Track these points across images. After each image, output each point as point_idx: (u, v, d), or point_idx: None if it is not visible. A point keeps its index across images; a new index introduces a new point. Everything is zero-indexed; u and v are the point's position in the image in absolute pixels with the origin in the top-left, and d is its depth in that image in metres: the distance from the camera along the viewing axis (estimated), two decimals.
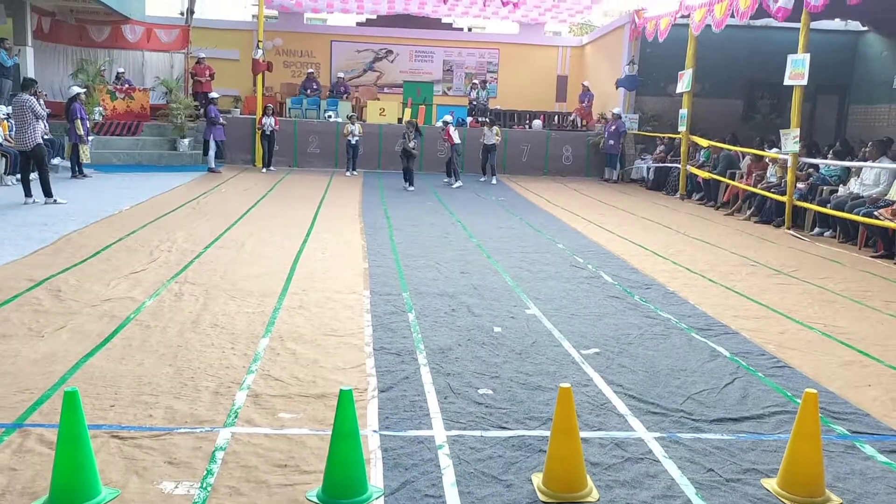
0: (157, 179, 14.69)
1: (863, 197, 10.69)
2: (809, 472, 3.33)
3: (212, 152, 16.73)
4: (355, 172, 17.41)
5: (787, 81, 11.73)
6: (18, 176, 13.26)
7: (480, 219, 11.52)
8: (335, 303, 6.36)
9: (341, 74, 21.54)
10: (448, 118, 16.82)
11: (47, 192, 11.05)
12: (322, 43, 23.19)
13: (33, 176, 11.32)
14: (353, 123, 17.22)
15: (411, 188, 15.02)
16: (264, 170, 17.55)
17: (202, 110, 19.39)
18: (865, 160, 11.43)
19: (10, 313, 5.65)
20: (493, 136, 17.15)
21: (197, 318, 5.75)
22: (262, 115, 17.55)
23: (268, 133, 17.54)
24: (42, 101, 12.15)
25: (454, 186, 15.84)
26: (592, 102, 20.53)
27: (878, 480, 3.57)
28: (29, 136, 10.99)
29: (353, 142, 17.25)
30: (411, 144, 15.19)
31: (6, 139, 13.56)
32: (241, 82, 21.16)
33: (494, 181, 17.16)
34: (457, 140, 16.37)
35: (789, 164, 11.86)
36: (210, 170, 16.61)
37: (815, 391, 3.34)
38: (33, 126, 10.93)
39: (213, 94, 17.63)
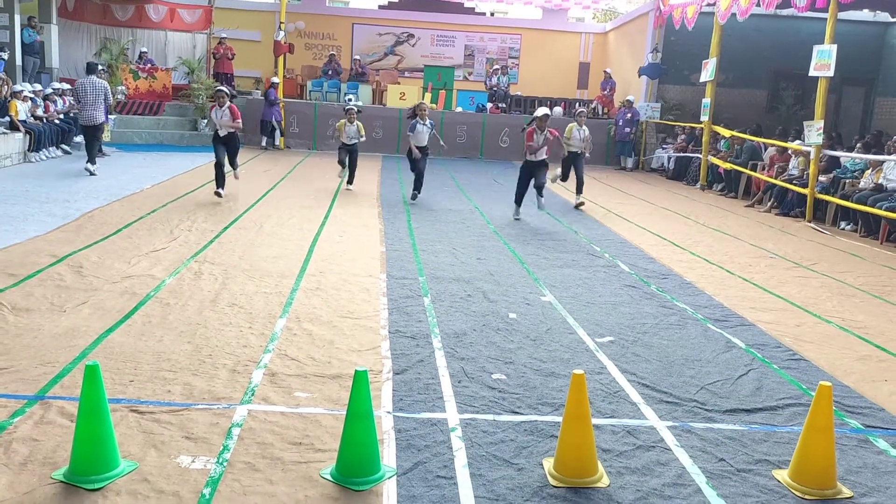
0: (178, 159, 14.79)
1: (886, 190, 10.57)
2: (821, 465, 3.33)
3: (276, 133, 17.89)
4: (350, 187, 12.15)
5: (812, 72, 11.59)
6: (41, 153, 13.46)
7: (498, 205, 11.51)
8: (352, 285, 6.40)
9: (358, 57, 21.52)
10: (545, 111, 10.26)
11: (91, 159, 12.20)
12: (344, 25, 23.16)
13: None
14: (350, 122, 11.90)
15: (415, 195, 11.45)
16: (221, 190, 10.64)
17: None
18: (892, 154, 11.28)
19: (34, 288, 5.74)
20: (580, 137, 11.56)
21: (216, 297, 5.82)
22: (212, 106, 11.05)
23: (221, 135, 10.67)
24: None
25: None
26: (614, 90, 20.37)
27: (891, 475, 3.56)
28: (98, 114, 12.31)
29: (350, 143, 12.04)
30: (423, 138, 11.34)
31: (32, 116, 13.71)
32: (262, 64, 21.19)
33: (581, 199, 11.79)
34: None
35: (812, 156, 11.74)
36: (266, 147, 17.73)
37: (829, 384, 3.34)
38: (102, 106, 12.38)
39: (275, 79, 18.09)
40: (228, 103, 10.60)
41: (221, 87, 10.70)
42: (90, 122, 12.31)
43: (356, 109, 12.09)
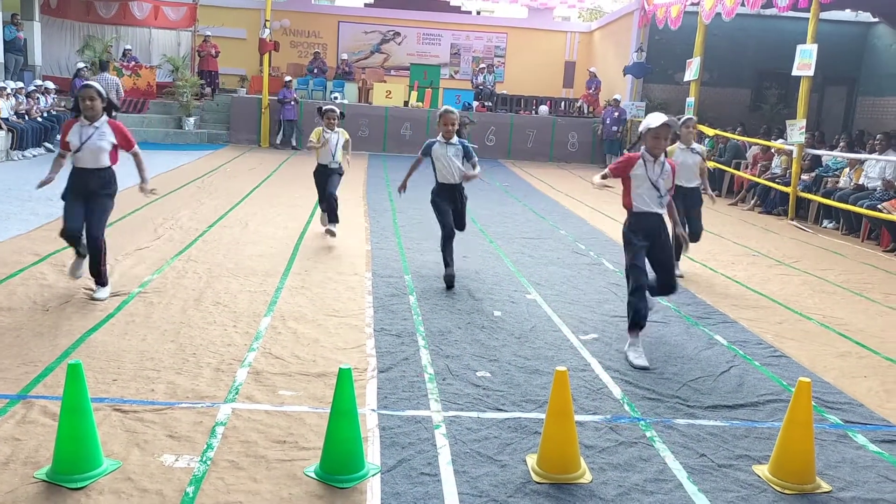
0: (162, 157, 14.70)
1: (867, 189, 10.68)
2: (800, 460, 3.38)
3: (290, 132, 17.94)
4: (333, 229, 8.01)
5: (794, 72, 11.69)
6: (24, 151, 13.35)
7: (484, 203, 11.54)
8: (337, 283, 6.40)
9: (344, 56, 21.49)
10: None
11: None
12: (329, 23, 23.11)
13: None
14: (331, 128, 7.95)
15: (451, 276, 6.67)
16: None
17: (208, 89, 19.45)
18: (873, 153, 11.40)
19: (16, 287, 5.71)
20: (694, 160, 7.23)
21: (200, 295, 5.80)
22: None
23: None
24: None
25: None
26: (600, 89, 20.46)
27: (869, 469, 3.61)
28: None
29: (332, 164, 8.08)
30: (456, 164, 6.63)
31: (15, 114, 13.60)
32: (247, 62, 21.12)
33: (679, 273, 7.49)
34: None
35: (794, 154, 11.84)
36: (281, 146, 17.99)
37: (808, 380, 3.38)
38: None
39: (287, 77, 18.28)
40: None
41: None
42: None
43: (338, 112, 7.96)
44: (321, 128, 7.95)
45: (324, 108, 8.00)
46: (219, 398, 3.98)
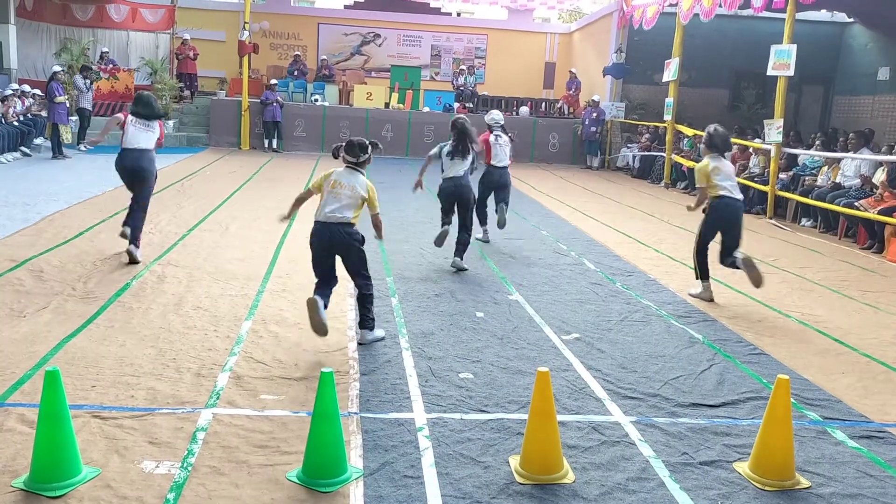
0: None
1: (844, 187, 10.81)
2: (780, 456, 3.41)
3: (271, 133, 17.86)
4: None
5: (770, 72, 11.81)
6: (1, 156, 13.18)
7: None
8: None
9: (324, 57, 21.43)
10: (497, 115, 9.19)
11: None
12: (309, 25, 23.03)
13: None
14: (350, 174, 5.03)
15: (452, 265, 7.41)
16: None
17: (187, 92, 19.31)
18: (847, 151, 11.54)
19: None
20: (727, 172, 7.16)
21: (180, 300, 5.75)
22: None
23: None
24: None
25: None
26: (580, 90, 20.55)
27: (848, 465, 3.65)
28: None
29: (336, 218, 4.98)
30: (458, 172, 7.30)
31: None
32: (226, 64, 20.99)
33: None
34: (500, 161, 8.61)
35: (772, 154, 11.96)
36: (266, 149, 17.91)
37: (787, 377, 3.42)
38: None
39: (273, 81, 18.28)
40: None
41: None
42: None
43: (374, 146, 5.19)
44: (334, 171, 5.13)
45: (341, 147, 5.14)
46: (200, 403, 3.95)
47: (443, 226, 7.48)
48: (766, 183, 12.13)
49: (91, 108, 16.25)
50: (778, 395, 3.40)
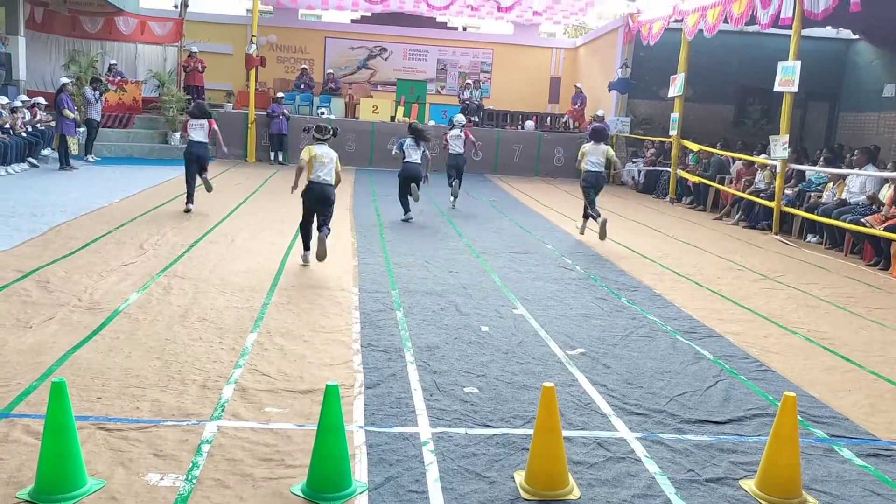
0: (147, 172, 14.65)
1: (850, 204, 10.80)
2: (786, 474, 3.39)
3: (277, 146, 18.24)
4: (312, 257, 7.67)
5: (776, 88, 11.83)
6: (10, 167, 13.26)
7: (470, 219, 11.57)
8: (324, 299, 6.38)
9: (330, 70, 21.54)
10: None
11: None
12: (316, 39, 23.16)
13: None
14: (318, 140, 7.56)
15: (406, 217, 10.90)
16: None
17: (192, 104, 19.41)
18: (852, 168, 11.54)
19: None
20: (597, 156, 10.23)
21: (185, 311, 5.76)
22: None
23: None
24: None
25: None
26: (585, 105, 20.60)
27: (855, 483, 3.63)
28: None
29: (323, 181, 7.46)
30: (414, 157, 10.84)
31: None
32: (234, 77, 21.11)
33: None
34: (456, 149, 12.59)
35: (778, 169, 11.96)
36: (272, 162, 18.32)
37: (793, 394, 3.40)
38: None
39: (280, 94, 18.52)
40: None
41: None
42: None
43: (330, 130, 7.61)
44: (311, 146, 7.50)
45: (309, 127, 8.17)
46: (204, 416, 3.95)
47: (401, 197, 10.97)
48: (771, 198, 12.12)
49: (100, 120, 16.35)
50: (784, 412, 3.38)
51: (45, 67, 19.28)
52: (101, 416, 3.86)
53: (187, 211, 10.31)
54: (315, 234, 7.57)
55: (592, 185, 10.16)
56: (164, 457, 3.47)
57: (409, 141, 10.94)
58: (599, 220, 9.70)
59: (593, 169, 10.12)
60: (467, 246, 9.26)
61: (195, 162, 10.41)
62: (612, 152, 10.41)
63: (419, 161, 10.87)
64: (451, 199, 12.62)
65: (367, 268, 7.68)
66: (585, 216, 10.33)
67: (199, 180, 10.61)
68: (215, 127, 10.50)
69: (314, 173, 7.40)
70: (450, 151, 12.54)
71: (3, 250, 7.41)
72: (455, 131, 12.62)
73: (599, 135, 10.39)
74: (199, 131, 10.38)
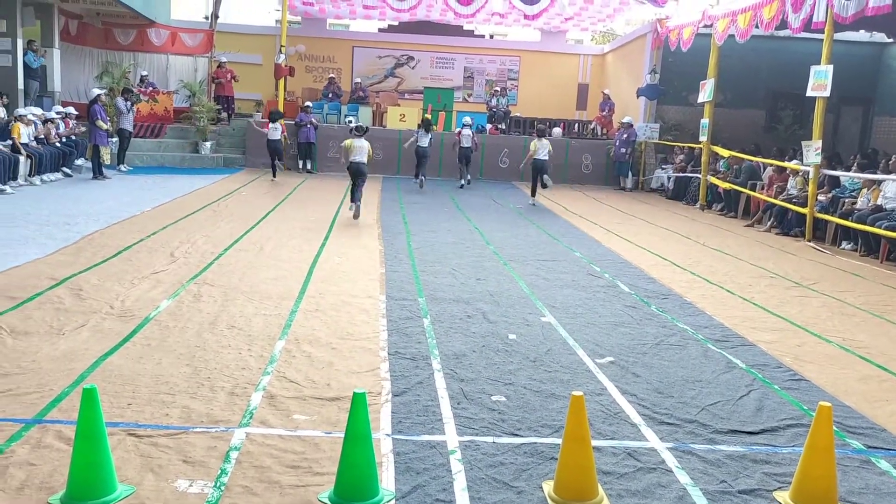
0: (178, 181, 14.84)
1: (886, 209, 10.58)
2: (822, 486, 3.31)
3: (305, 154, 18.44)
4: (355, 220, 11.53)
5: (809, 93, 11.65)
6: (44, 176, 13.52)
7: (497, 226, 11.53)
8: (351, 307, 6.39)
9: (359, 79, 21.68)
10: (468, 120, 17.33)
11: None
12: (344, 49, 23.33)
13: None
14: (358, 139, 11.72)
15: (418, 182, 16.20)
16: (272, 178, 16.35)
17: (224, 114, 19.66)
18: (889, 173, 11.31)
19: (32, 311, 5.74)
20: (544, 150, 14.38)
21: (215, 319, 5.81)
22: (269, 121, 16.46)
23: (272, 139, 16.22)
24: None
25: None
26: (613, 111, 20.48)
27: (893, 496, 3.54)
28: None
29: (357, 159, 11.48)
30: (424, 143, 16.07)
31: (34, 140, 13.77)
32: (263, 87, 21.32)
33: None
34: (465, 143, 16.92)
35: (811, 175, 11.77)
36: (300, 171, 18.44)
37: (828, 404, 3.32)
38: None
39: (308, 103, 18.65)
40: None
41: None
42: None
43: (365, 129, 11.83)
44: (351, 140, 11.51)
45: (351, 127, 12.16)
46: (233, 422, 3.96)
47: (417, 176, 16.28)
48: (804, 205, 11.92)
49: (132, 130, 16.62)
50: (819, 423, 3.31)
51: (79, 79, 19.66)
52: (132, 422, 3.90)
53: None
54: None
55: (539, 169, 14.19)
56: (193, 463, 3.49)
57: (421, 131, 16.24)
58: (550, 185, 14.15)
59: (541, 157, 14.24)
60: (494, 253, 9.23)
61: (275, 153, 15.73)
62: (550, 146, 14.47)
63: (426, 145, 16.16)
64: (463, 181, 16.98)
65: (395, 275, 7.69)
66: (534, 193, 14.60)
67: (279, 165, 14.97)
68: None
69: (353, 157, 11.15)
70: (461, 145, 16.77)
71: (37, 258, 7.54)
72: (466, 130, 16.82)
73: (542, 133, 14.85)
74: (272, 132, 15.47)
